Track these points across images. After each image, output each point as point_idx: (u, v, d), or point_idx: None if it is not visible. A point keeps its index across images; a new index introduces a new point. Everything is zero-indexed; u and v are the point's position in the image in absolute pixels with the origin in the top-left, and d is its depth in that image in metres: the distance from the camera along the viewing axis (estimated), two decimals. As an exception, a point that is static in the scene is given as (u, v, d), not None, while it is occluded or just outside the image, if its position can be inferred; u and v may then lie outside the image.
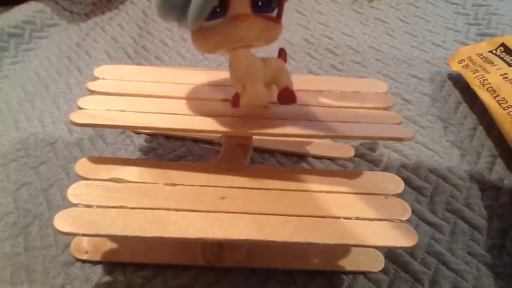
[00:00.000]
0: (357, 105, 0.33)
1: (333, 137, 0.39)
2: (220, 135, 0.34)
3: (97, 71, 0.35)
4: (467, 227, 0.36)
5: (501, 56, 0.49)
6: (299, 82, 0.35)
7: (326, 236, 0.26)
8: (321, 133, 0.30)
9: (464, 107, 0.48)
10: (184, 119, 0.31)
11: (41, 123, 0.47)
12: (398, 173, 0.37)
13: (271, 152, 0.43)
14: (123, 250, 0.34)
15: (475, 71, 0.49)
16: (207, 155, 0.43)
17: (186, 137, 0.44)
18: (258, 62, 0.28)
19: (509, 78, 0.46)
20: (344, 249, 0.34)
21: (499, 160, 0.42)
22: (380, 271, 0.33)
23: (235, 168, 0.30)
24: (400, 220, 0.27)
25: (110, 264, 0.34)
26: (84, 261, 0.34)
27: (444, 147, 0.43)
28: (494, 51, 0.50)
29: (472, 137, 0.44)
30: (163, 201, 0.27)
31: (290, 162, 0.42)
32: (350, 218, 0.27)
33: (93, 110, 0.31)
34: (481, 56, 0.50)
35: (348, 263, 0.33)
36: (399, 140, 0.31)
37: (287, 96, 0.28)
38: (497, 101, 0.44)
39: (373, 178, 0.30)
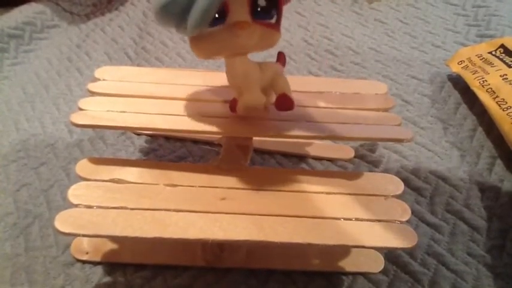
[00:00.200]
0: (357, 107, 0.33)
1: (333, 138, 0.39)
2: (220, 136, 0.34)
3: (98, 72, 0.36)
4: (467, 228, 0.36)
5: (501, 57, 0.49)
6: (299, 83, 0.35)
7: (326, 237, 0.26)
8: (320, 134, 0.30)
9: (463, 108, 0.48)
10: (184, 120, 0.31)
11: (41, 124, 0.47)
12: (398, 174, 0.37)
13: (271, 153, 0.43)
14: (123, 251, 0.34)
15: (475, 72, 0.49)
16: (207, 156, 0.43)
17: (186, 138, 0.44)
18: (255, 68, 0.28)
19: (509, 79, 0.46)
20: (344, 250, 0.34)
21: (498, 161, 0.42)
22: (380, 272, 0.33)
23: (235, 169, 0.30)
24: (399, 221, 0.27)
25: (110, 264, 0.34)
26: (84, 262, 0.34)
27: (444, 148, 0.44)
28: (493, 53, 0.51)
29: (471, 138, 0.44)
30: (163, 202, 0.27)
31: (290, 163, 0.42)
32: (350, 219, 0.27)
33: (94, 111, 0.31)
34: (481, 57, 0.50)
35: (347, 264, 0.33)
36: (399, 141, 0.31)
37: (284, 103, 0.28)
38: (496, 102, 0.44)
39: (372, 179, 0.30)
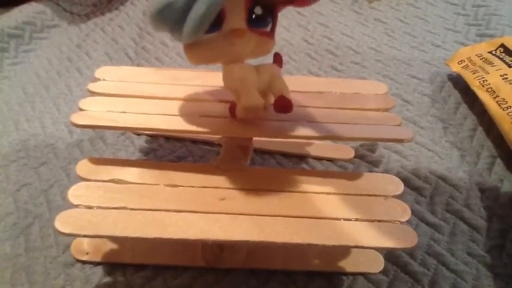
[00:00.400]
0: (357, 107, 0.33)
1: (333, 138, 0.39)
2: (220, 136, 0.34)
3: (98, 72, 0.35)
4: (467, 228, 0.36)
5: (501, 56, 0.49)
6: (299, 83, 0.35)
7: (326, 237, 0.26)
8: (320, 134, 0.30)
9: (464, 108, 0.48)
10: (184, 121, 0.31)
11: (41, 124, 0.47)
12: (398, 174, 0.37)
13: (271, 153, 0.43)
14: (123, 251, 0.34)
15: (475, 72, 0.49)
16: (207, 156, 0.43)
17: (186, 138, 0.44)
18: (251, 72, 0.28)
19: (509, 78, 0.46)
20: (344, 251, 0.34)
21: (498, 161, 0.42)
22: (380, 272, 0.33)
23: (235, 170, 0.30)
24: (399, 221, 0.27)
25: (110, 265, 0.34)
26: (84, 262, 0.34)
27: (444, 148, 0.44)
28: (493, 52, 0.51)
29: (471, 138, 0.44)
30: (163, 202, 0.27)
31: (290, 164, 0.42)
32: (350, 219, 0.27)
33: (94, 111, 0.31)
34: (481, 57, 0.50)
35: (347, 264, 0.33)
36: (399, 141, 0.31)
37: (282, 105, 0.28)
38: (496, 102, 0.44)
39: (372, 179, 0.30)
